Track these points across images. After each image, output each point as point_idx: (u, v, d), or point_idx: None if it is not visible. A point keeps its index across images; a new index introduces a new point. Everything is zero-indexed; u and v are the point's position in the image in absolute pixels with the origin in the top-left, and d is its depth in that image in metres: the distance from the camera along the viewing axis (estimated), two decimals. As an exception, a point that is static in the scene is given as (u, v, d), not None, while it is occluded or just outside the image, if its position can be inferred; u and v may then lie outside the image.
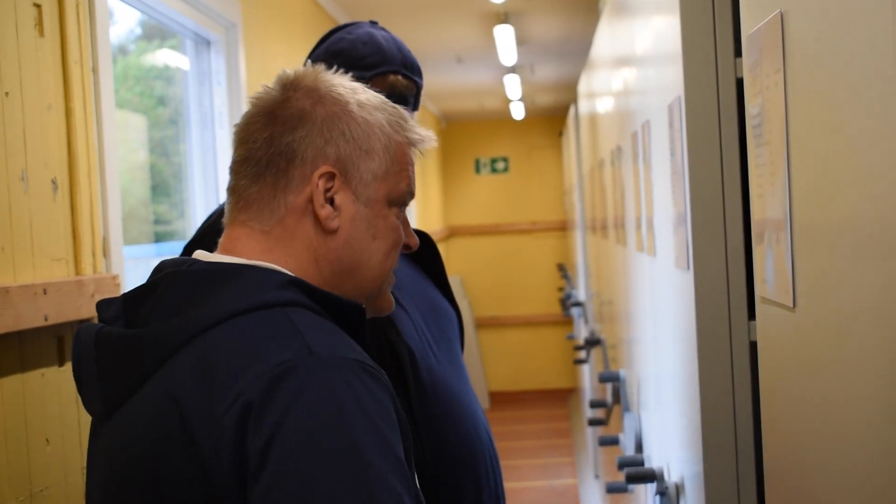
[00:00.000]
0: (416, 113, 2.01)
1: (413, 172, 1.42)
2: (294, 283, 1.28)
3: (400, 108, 1.41)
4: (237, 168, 1.35)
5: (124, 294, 1.33)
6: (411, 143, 1.41)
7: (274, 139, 1.32)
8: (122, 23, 3.02)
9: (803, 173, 1.14)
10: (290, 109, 1.33)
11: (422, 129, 1.43)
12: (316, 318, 1.26)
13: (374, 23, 2.07)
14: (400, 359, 1.79)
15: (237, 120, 1.41)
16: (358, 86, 1.39)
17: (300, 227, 1.33)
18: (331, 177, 1.32)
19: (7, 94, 1.79)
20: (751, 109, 1.35)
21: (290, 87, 1.35)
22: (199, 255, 1.35)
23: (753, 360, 1.74)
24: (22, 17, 1.87)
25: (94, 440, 1.34)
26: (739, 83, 1.76)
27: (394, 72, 1.96)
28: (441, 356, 1.93)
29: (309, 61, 1.99)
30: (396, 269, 1.45)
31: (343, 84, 1.37)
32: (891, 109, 0.85)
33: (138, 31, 3.23)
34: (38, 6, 1.92)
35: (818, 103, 1.06)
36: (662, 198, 2.15)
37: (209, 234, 1.79)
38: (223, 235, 1.36)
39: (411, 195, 1.41)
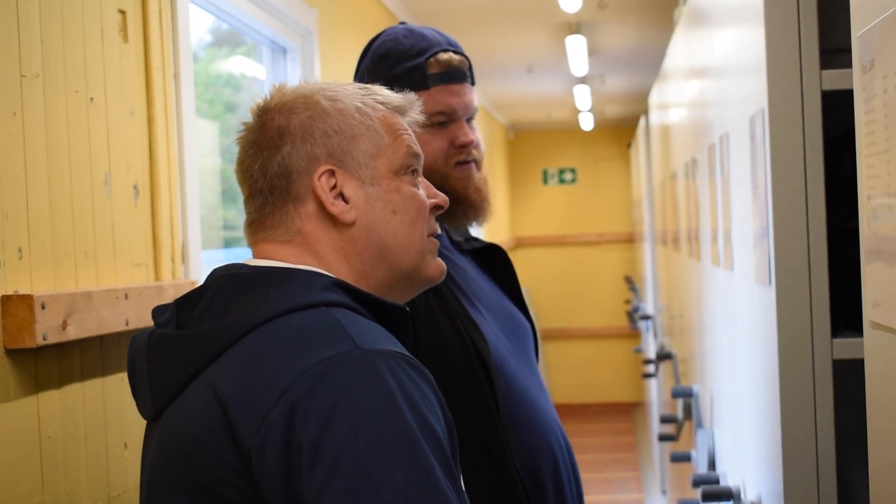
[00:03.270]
0: (474, 87, 2.01)
1: (410, 136, 1.43)
2: (338, 284, 1.32)
3: (372, 86, 1.45)
4: (247, 208, 1.40)
5: (177, 299, 1.37)
6: (396, 111, 1.43)
7: (266, 166, 1.37)
8: (193, 29, 3.05)
9: None
10: (269, 132, 1.37)
11: (397, 95, 1.45)
12: (364, 320, 1.29)
13: (403, 23, 2.08)
14: (486, 364, 1.78)
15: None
16: (325, 83, 1.43)
17: (319, 231, 1.36)
18: (331, 174, 1.36)
19: (92, 99, 1.81)
20: (862, 116, 1.24)
21: (263, 113, 1.39)
22: (247, 260, 1.39)
23: (836, 379, 1.71)
24: (108, 23, 1.89)
25: (146, 443, 1.38)
26: (825, 95, 1.74)
27: (444, 50, 1.96)
28: (520, 365, 1.92)
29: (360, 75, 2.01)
30: (440, 235, 1.46)
31: (310, 87, 1.41)
32: None
33: (208, 38, 3.26)
34: (122, 12, 1.94)
35: None
36: (741, 211, 2.12)
37: None
38: (253, 252, 1.41)
39: (416, 157, 1.43)
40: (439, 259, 1.46)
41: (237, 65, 3.48)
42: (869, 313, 1.25)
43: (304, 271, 1.33)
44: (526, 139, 11.64)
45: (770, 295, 1.79)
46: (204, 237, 2.79)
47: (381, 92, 1.44)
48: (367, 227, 1.37)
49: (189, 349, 1.27)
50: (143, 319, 1.86)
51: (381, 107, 1.42)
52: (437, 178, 1.86)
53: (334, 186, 1.36)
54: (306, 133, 1.36)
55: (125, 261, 1.91)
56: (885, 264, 1.16)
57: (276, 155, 1.36)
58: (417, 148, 1.43)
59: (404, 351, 1.25)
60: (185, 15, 2.22)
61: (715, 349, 2.73)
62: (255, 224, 1.39)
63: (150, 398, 1.31)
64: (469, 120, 1.98)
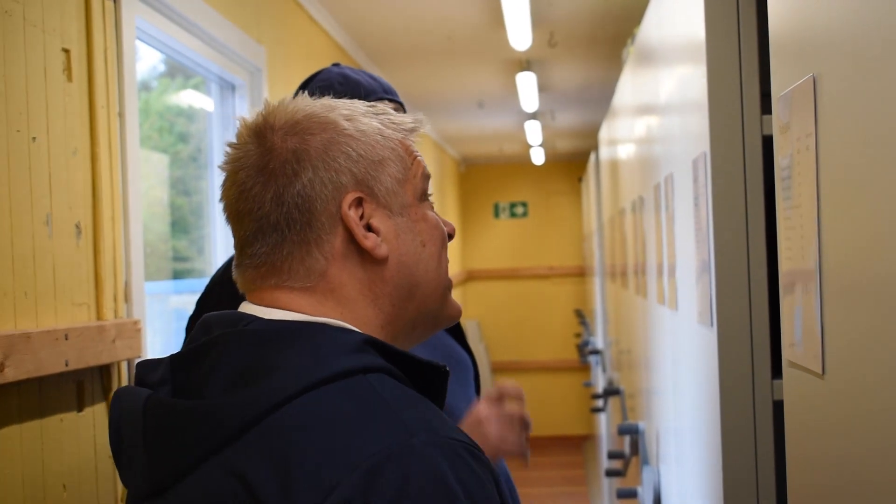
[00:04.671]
0: None
1: (422, 157, 1.29)
2: (370, 343, 1.14)
3: (378, 104, 1.29)
4: (252, 248, 1.19)
5: (171, 355, 1.17)
6: (410, 132, 1.28)
7: (282, 195, 1.17)
8: (145, 59, 3.04)
9: (835, 237, 1.12)
10: (281, 156, 1.17)
11: (408, 116, 1.29)
12: (403, 387, 1.12)
13: (336, 65, 2.08)
14: None
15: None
16: (329, 100, 1.25)
17: (346, 272, 1.18)
18: (359, 202, 1.18)
19: (34, 138, 1.80)
20: (780, 171, 1.33)
21: (264, 133, 1.19)
22: (252, 309, 1.19)
23: (777, 420, 1.73)
24: (51, 62, 1.88)
25: None
26: (766, 140, 1.76)
27: (379, 98, 1.96)
28: (461, 406, 1.91)
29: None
30: None
31: (316, 104, 1.23)
32: None
33: (161, 67, 3.24)
34: (66, 51, 1.93)
35: (852, 166, 1.05)
36: (685, 253, 2.14)
37: (219, 285, 1.78)
38: (251, 298, 1.21)
39: (429, 179, 1.29)
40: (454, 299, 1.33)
41: (189, 97, 3.47)
42: (786, 353, 1.31)
43: (329, 327, 1.15)
44: (477, 173, 11.67)
45: (712, 336, 1.80)
46: (154, 268, 2.77)
47: (390, 112, 1.28)
48: (399, 263, 1.21)
49: (202, 425, 1.08)
50: (84, 360, 1.84)
51: (399, 128, 1.26)
52: None
53: (361, 217, 1.19)
54: (328, 157, 1.18)
55: (66, 301, 1.89)
56: (797, 299, 1.24)
57: (294, 182, 1.16)
58: (428, 170, 1.30)
59: (461, 434, 1.09)
60: (130, 53, 2.21)
61: (660, 386, 2.74)
62: (265, 268, 1.18)
63: (146, 474, 1.12)
64: None
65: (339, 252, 1.18)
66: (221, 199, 1.23)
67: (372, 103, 1.28)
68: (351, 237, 1.18)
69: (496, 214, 11.74)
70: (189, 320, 1.91)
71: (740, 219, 1.78)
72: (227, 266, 1.79)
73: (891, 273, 0.94)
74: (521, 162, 11.31)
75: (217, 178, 3.44)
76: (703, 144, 1.83)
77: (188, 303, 3.25)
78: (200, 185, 3.46)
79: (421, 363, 1.18)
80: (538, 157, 10.65)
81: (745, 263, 1.77)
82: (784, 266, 1.32)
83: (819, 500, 1.23)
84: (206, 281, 1.99)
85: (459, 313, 1.31)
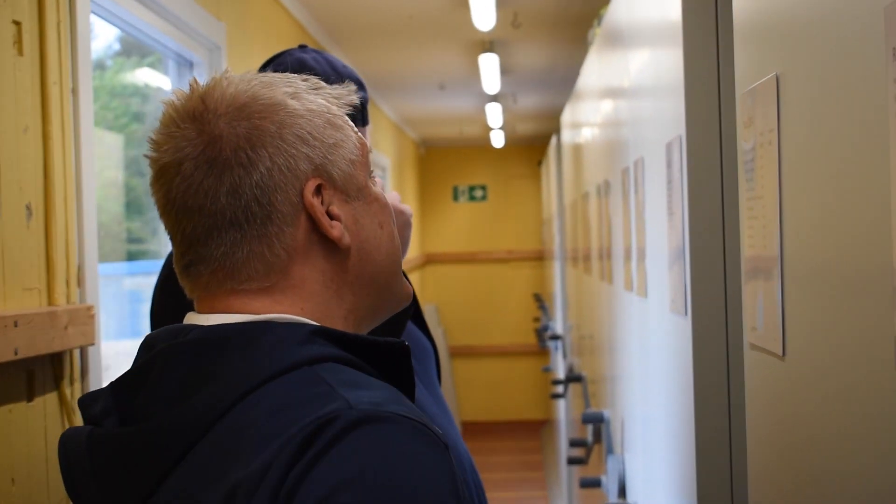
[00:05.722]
0: (368, 128, 1.92)
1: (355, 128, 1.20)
2: (319, 332, 1.07)
3: (310, 78, 1.18)
4: (202, 241, 1.09)
5: (112, 383, 1.08)
6: (350, 106, 1.19)
7: (239, 188, 1.07)
8: (101, 37, 2.96)
9: (796, 227, 1.16)
10: (232, 143, 1.07)
11: (342, 87, 1.19)
12: (356, 373, 1.05)
13: (303, 47, 2.00)
14: None
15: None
16: (262, 77, 1.14)
17: (309, 265, 1.11)
18: (318, 189, 1.11)
19: (-18, 115, 1.72)
20: (744, 163, 1.37)
21: (205, 118, 1.08)
22: (196, 318, 1.10)
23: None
24: (1, 35, 1.79)
25: None
26: (743, 124, 1.72)
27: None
28: (422, 391, 1.86)
29: None
30: None
31: (254, 83, 1.12)
32: (883, 165, 0.89)
33: (117, 46, 3.17)
34: (17, 23, 1.85)
35: (812, 161, 1.10)
36: (656, 239, 2.09)
37: (170, 283, 1.65)
38: (201, 305, 1.12)
39: (370, 152, 1.21)
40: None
41: (145, 75, 3.38)
42: (748, 336, 1.37)
43: (273, 324, 1.06)
44: (437, 155, 11.61)
45: (686, 325, 1.76)
46: (108, 250, 2.69)
47: (324, 84, 1.18)
48: (360, 251, 1.14)
49: (147, 451, 1.01)
50: (34, 347, 1.76)
51: (339, 102, 1.17)
52: None
53: (322, 205, 1.11)
54: (284, 142, 1.08)
55: (16, 285, 1.80)
56: (759, 285, 1.30)
57: (251, 172, 1.06)
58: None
59: (413, 412, 1.00)
60: (85, 26, 2.13)
61: (626, 374, 2.70)
62: (221, 272, 1.09)
63: None
64: None
65: (302, 245, 1.10)
66: (157, 194, 1.12)
67: (305, 77, 1.18)
68: (313, 227, 1.11)
69: (455, 198, 11.70)
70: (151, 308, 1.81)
71: (716, 205, 1.74)
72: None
73: (846, 261, 0.99)
74: (481, 145, 11.27)
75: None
76: (678, 128, 1.79)
77: (142, 284, 3.20)
78: (156, 165, 3.36)
79: (378, 344, 1.11)
80: (498, 140, 10.61)
81: (721, 251, 1.74)
82: (746, 252, 1.37)
83: (777, 475, 1.26)
84: (160, 263, 1.91)
85: (410, 294, 1.24)
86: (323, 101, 1.14)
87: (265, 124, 1.09)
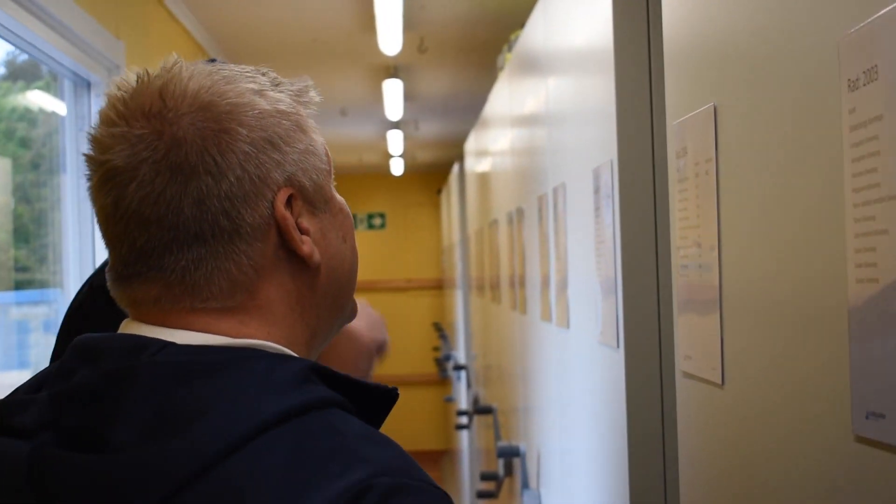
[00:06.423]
0: None
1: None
2: (315, 370, 0.96)
3: (269, 71, 1.05)
4: (158, 254, 0.96)
5: (51, 393, 0.93)
6: (313, 104, 1.07)
7: (206, 198, 0.94)
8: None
9: (735, 257, 1.17)
10: (197, 146, 0.95)
11: (299, 83, 1.06)
12: (359, 423, 0.95)
13: (212, 60, 1.89)
14: None
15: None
16: (226, 67, 1.03)
17: (275, 285, 0.99)
18: (289, 200, 0.99)
19: None
20: (676, 193, 1.37)
21: (165, 116, 0.95)
22: (156, 332, 0.96)
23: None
24: None
25: None
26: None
27: None
28: None
29: None
30: None
31: (216, 78, 1.00)
32: (828, 196, 0.91)
33: (1, 70, 3.03)
34: None
35: (752, 190, 1.12)
36: (580, 267, 2.03)
37: (76, 319, 1.48)
38: (148, 318, 0.98)
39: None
40: None
41: (34, 98, 3.24)
42: (681, 364, 1.38)
43: (263, 353, 0.95)
44: (336, 182, 11.49)
45: (619, 358, 1.69)
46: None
47: (282, 79, 1.05)
48: (328, 268, 1.03)
49: (128, 488, 0.86)
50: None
51: (299, 99, 1.04)
52: None
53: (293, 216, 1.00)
54: (253, 148, 0.96)
55: None
56: (695, 314, 1.31)
57: (220, 181, 0.94)
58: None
59: (426, 476, 0.92)
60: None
61: (543, 406, 2.64)
62: (179, 287, 0.96)
63: None
64: None
65: (270, 262, 0.98)
66: (103, 199, 0.97)
67: (264, 70, 1.05)
68: (282, 243, 0.99)
69: (354, 226, 11.59)
70: (58, 336, 1.63)
71: (649, 233, 1.68)
72: (86, 294, 1.49)
73: (790, 291, 1.01)
74: (380, 172, 11.20)
75: (70, 184, 3.21)
76: (608, 153, 1.73)
77: (29, 314, 3.04)
78: (43, 191, 3.28)
79: (369, 388, 1.01)
80: (398, 167, 10.55)
81: (655, 281, 1.68)
82: (680, 282, 1.38)
83: (711, 500, 1.28)
84: (48, 292, 1.77)
85: (357, 309, 1.13)
86: (290, 100, 1.02)
87: (234, 126, 0.96)
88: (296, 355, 0.99)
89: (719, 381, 1.20)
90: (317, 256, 1.01)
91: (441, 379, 9.07)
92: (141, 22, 3.62)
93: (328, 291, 1.04)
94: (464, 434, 6.47)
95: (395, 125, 7.80)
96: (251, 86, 1.00)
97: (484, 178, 4.70)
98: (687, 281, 1.34)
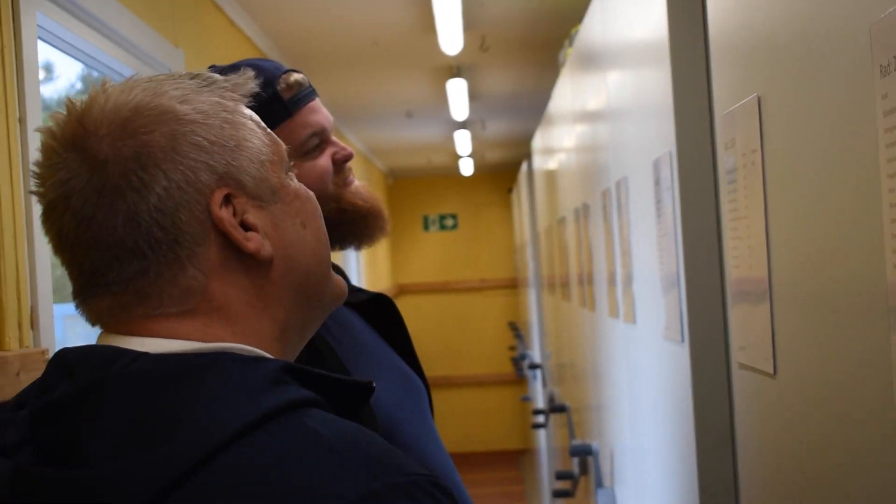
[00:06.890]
0: (309, 108, 1.77)
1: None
2: (288, 370, 0.96)
3: (201, 72, 1.06)
4: (102, 272, 0.98)
5: (31, 409, 0.93)
6: (251, 96, 1.07)
7: (136, 215, 0.95)
8: (62, 76, 2.87)
9: (783, 247, 1.17)
10: (119, 167, 0.95)
11: (238, 76, 1.06)
12: (335, 420, 0.95)
13: (212, 67, 1.89)
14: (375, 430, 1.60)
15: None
16: (148, 81, 1.01)
17: (229, 284, 1.00)
18: (227, 199, 0.99)
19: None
20: (726, 184, 1.38)
21: (86, 143, 0.96)
22: (127, 342, 0.97)
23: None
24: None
25: None
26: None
27: (286, 72, 1.77)
28: (417, 428, 1.75)
29: None
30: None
31: (136, 90, 0.99)
32: (867, 183, 0.91)
33: (79, 85, 3.06)
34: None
35: (797, 180, 1.12)
36: (644, 262, 1.99)
37: None
38: (114, 328, 0.99)
39: (284, 146, 1.09)
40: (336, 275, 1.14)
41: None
42: (736, 355, 1.40)
43: (233, 356, 0.96)
44: (405, 185, 11.52)
45: (683, 353, 1.65)
46: (69, 289, 2.56)
47: (217, 77, 1.05)
48: (285, 258, 1.03)
49: (103, 499, 0.86)
50: (-18, 398, 1.63)
51: (235, 95, 1.04)
52: (332, 203, 1.70)
53: (234, 216, 0.99)
54: (178, 154, 0.97)
55: (-39, 331, 1.68)
56: (748, 304, 1.31)
57: (147, 196, 0.95)
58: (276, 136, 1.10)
59: (416, 467, 0.93)
60: (31, 50, 2.01)
61: (614, 404, 2.60)
62: (127, 296, 0.97)
63: None
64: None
65: (217, 263, 0.99)
66: (49, 232, 1.00)
67: (194, 73, 1.05)
68: (227, 242, 0.99)
69: (426, 227, 11.60)
70: None
71: (711, 224, 1.64)
72: None
73: (835, 279, 1.01)
74: (450, 173, 11.19)
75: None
76: (667, 144, 1.69)
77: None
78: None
79: (344, 384, 1.01)
80: (467, 167, 10.52)
81: (718, 273, 1.63)
82: (733, 274, 1.39)
83: (767, 491, 1.28)
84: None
85: (345, 292, 1.13)
86: (216, 99, 1.02)
87: (154, 138, 0.97)
88: (267, 355, 0.99)
89: (772, 371, 1.21)
90: (266, 250, 1.01)
91: (518, 378, 9.03)
92: (199, 30, 3.64)
93: (290, 282, 1.03)
94: (541, 433, 6.43)
95: (462, 125, 7.77)
96: (175, 93, 1.00)
97: (551, 176, 4.66)
98: (739, 272, 1.35)
